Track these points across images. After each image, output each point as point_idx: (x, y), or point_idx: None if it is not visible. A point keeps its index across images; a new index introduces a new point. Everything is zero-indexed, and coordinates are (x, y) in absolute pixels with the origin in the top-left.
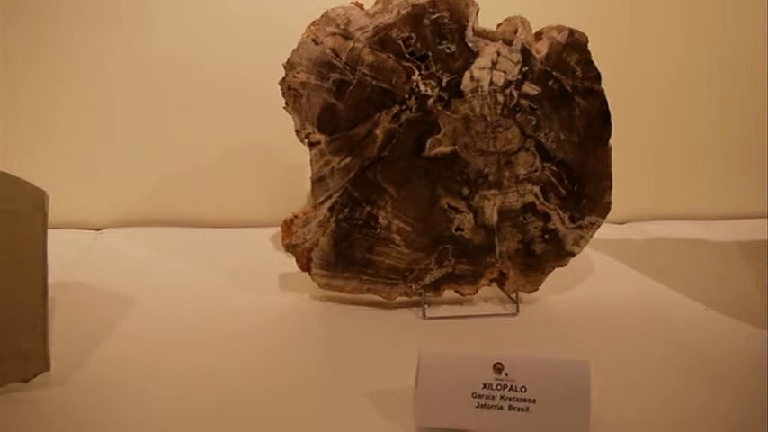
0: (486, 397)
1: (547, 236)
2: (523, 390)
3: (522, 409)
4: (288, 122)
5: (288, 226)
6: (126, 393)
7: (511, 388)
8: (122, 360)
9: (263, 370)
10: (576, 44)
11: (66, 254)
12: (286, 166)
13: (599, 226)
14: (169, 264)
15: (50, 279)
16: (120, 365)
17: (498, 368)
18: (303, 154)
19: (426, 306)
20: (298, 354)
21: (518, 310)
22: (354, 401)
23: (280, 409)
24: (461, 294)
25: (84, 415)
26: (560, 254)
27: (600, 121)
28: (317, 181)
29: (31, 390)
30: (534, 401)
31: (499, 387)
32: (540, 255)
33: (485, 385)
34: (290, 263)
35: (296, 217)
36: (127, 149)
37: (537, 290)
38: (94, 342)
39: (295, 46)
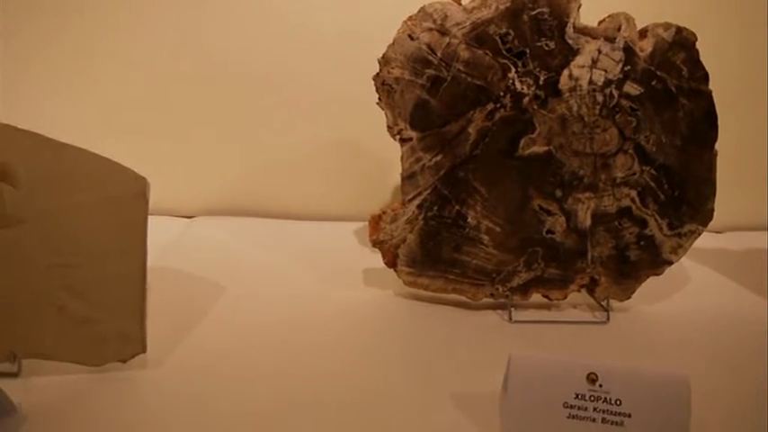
0: (579, 408)
1: (642, 242)
2: (618, 403)
3: (617, 423)
4: (379, 117)
5: (376, 221)
6: (215, 381)
7: (605, 400)
8: (212, 348)
9: (346, 366)
10: (683, 42)
11: (158, 240)
12: (374, 161)
13: (699, 234)
14: (257, 254)
15: None
16: (210, 353)
17: (592, 378)
18: (391, 150)
19: (513, 309)
20: (381, 351)
21: (608, 319)
22: (439, 402)
23: (362, 407)
24: (549, 299)
25: (178, 398)
26: (656, 262)
27: (705, 123)
28: (408, 178)
29: (128, 370)
30: (629, 416)
31: (593, 398)
32: (635, 262)
33: (577, 395)
34: (374, 258)
35: (384, 213)
36: (219, 140)
37: (629, 298)
38: (187, 328)
39: (391, 41)
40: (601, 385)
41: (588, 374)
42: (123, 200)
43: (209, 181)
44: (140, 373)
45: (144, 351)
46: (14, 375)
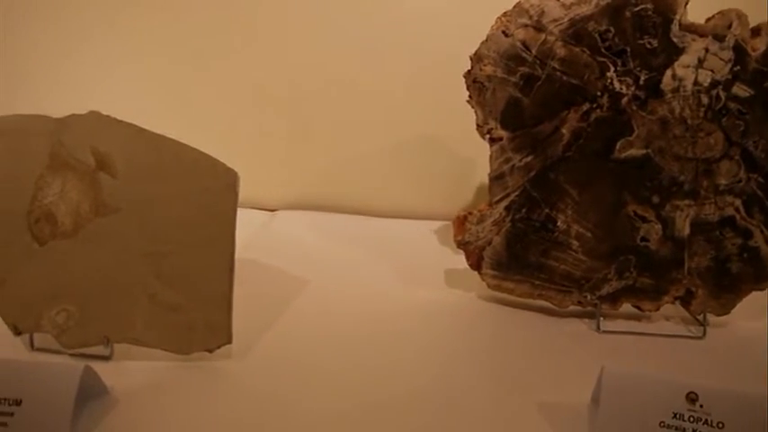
0: (676, 428)
1: (746, 254)
2: (720, 426)
3: None
4: (465, 115)
5: (461, 222)
6: (297, 375)
7: (705, 422)
8: (294, 342)
9: (427, 368)
10: None
11: (241, 232)
12: (458, 160)
13: None
14: (338, 249)
15: None
16: (293, 347)
17: (692, 398)
18: (476, 149)
19: (601, 318)
20: (463, 354)
21: (704, 334)
22: (523, 411)
23: (441, 410)
24: (640, 310)
25: (261, 389)
26: (760, 276)
27: None
28: (496, 178)
29: (214, 360)
30: None
31: (692, 419)
32: (736, 275)
33: (675, 415)
34: (456, 259)
35: (470, 213)
36: (304, 135)
37: (728, 313)
38: (270, 320)
39: (484, 37)
40: (701, 405)
41: (688, 393)
42: (214, 191)
43: (292, 175)
44: (226, 363)
45: (230, 342)
46: (107, 359)
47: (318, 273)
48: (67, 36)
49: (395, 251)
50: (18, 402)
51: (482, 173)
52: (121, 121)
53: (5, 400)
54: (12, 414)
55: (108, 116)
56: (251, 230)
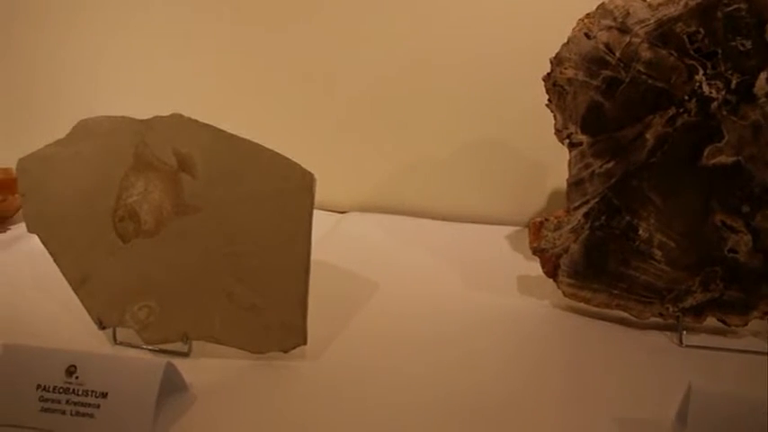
0: None
1: None
2: None
3: None
4: (539, 119)
5: (537, 228)
6: (369, 376)
7: None
8: (367, 345)
9: (499, 376)
10: None
11: (312, 234)
12: (530, 164)
13: None
14: (409, 252)
15: None
16: (365, 350)
17: None
18: (549, 153)
19: (684, 332)
20: (538, 364)
21: None
22: (601, 426)
23: (514, 422)
24: (726, 324)
25: (334, 391)
26: None
27: None
28: (575, 184)
29: (288, 360)
30: None
31: None
32: None
33: None
34: (529, 265)
35: (546, 220)
36: (375, 136)
37: None
38: (342, 322)
39: (565, 40)
40: None
41: None
42: (290, 193)
43: (363, 177)
44: (300, 363)
45: (305, 343)
46: (185, 355)
47: (389, 275)
48: (131, 33)
49: (466, 256)
50: (104, 395)
51: (555, 178)
52: (202, 123)
53: (93, 392)
54: (98, 406)
55: (189, 118)
56: (321, 232)
